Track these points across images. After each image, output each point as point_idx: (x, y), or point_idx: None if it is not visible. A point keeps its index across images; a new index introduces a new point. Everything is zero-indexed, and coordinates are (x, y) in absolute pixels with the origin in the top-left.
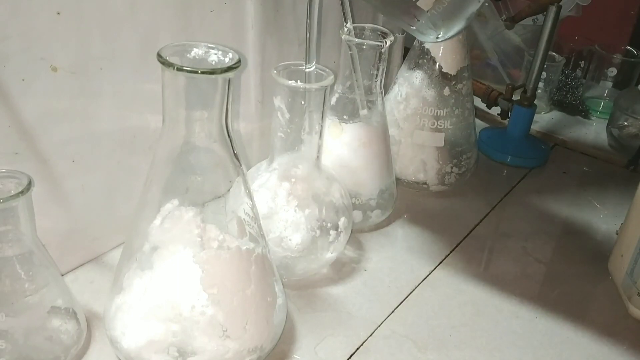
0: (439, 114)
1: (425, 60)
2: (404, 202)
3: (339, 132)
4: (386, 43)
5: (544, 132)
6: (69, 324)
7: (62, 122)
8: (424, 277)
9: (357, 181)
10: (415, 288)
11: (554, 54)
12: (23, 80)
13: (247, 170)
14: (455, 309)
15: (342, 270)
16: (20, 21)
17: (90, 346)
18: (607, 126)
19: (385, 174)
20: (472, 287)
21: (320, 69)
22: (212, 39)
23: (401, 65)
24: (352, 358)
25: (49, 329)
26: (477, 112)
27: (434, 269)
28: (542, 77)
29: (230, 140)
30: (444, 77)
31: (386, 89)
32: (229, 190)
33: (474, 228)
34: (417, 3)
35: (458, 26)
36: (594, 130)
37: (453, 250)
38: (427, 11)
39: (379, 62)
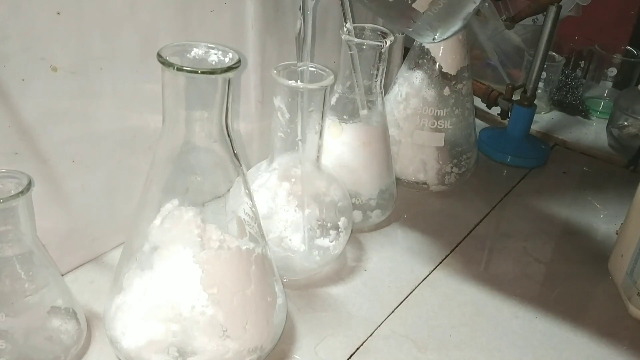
0: (439, 114)
1: (425, 60)
2: (404, 202)
3: (339, 132)
4: (386, 43)
5: (544, 132)
6: (69, 324)
7: (62, 122)
8: (424, 277)
9: (357, 181)
10: (415, 288)
11: (554, 54)
12: (23, 80)
13: (247, 170)
14: (455, 309)
15: (342, 270)
16: (20, 21)
17: (90, 346)
18: (607, 126)
19: (385, 174)
20: (472, 287)
21: (320, 69)
22: (212, 39)
23: (401, 65)
24: (352, 358)
25: (49, 329)
26: (477, 112)
27: (434, 268)
28: (542, 77)
29: (230, 140)
30: (444, 77)
31: (386, 89)
32: (229, 190)
33: (474, 228)
34: (413, 5)
35: (455, 27)
36: (594, 130)
37: (453, 250)
38: (423, 13)
39: (379, 62)
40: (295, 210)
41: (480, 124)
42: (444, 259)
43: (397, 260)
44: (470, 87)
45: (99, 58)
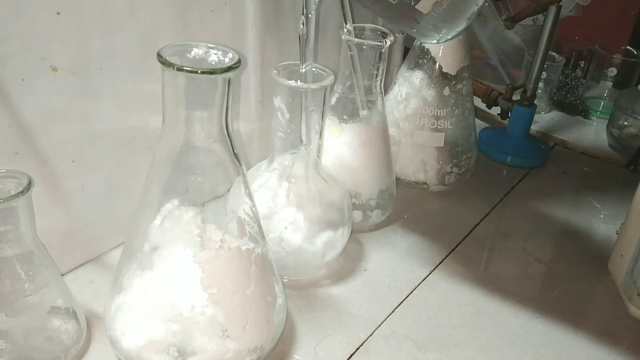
0: (439, 114)
1: (425, 60)
2: (404, 202)
3: (339, 132)
4: (386, 43)
5: (544, 132)
6: (69, 324)
7: (62, 122)
8: (424, 277)
9: (357, 181)
10: (415, 288)
11: (554, 54)
12: (23, 80)
13: (247, 170)
14: (455, 309)
15: (342, 270)
16: (20, 21)
17: (90, 346)
18: (607, 126)
19: (385, 174)
20: (472, 287)
21: (320, 69)
22: (212, 39)
23: (401, 65)
24: (352, 358)
25: (49, 329)
26: (477, 112)
27: (434, 268)
28: (542, 77)
29: (230, 140)
30: (444, 77)
31: (386, 89)
32: (229, 190)
33: (474, 228)
34: (416, 7)
35: (459, 27)
36: (594, 130)
37: (453, 250)
38: (427, 14)
39: (379, 62)
40: (295, 210)
41: (480, 124)
42: (444, 259)
43: (397, 260)
44: (470, 87)
45: (99, 58)
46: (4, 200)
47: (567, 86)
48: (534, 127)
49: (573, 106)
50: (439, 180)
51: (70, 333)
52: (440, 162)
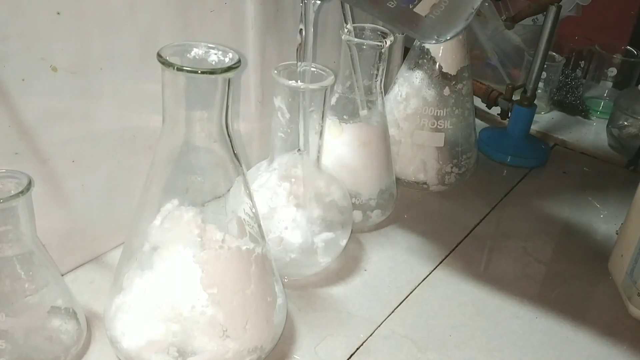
0: (439, 114)
1: (425, 60)
2: (404, 202)
3: (339, 132)
4: (386, 43)
5: (544, 132)
6: (69, 324)
7: (62, 122)
8: (424, 277)
9: (357, 181)
10: (415, 288)
11: (554, 54)
12: (23, 80)
13: (247, 170)
14: (455, 309)
15: (342, 270)
16: (20, 21)
17: (90, 346)
18: (607, 126)
19: (385, 174)
20: (472, 287)
21: (320, 69)
22: (212, 39)
23: (401, 65)
24: (352, 358)
25: (49, 329)
26: (477, 112)
27: (434, 268)
28: (542, 77)
29: (230, 140)
30: (444, 77)
31: (386, 89)
32: (229, 190)
33: (474, 228)
34: (414, 9)
35: (457, 28)
36: (594, 130)
37: (453, 250)
38: (425, 16)
39: (379, 62)
40: (295, 211)
41: (480, 124)
42: (444, 259)
43: (397, 260)
44: (470, 87)
45: (99, 58)
46: (4, 200)
47: (567, 86)
48: (534, 127)
49: (573, 106)
50: (439, 180)
51: (70, 333)
52: (440, 162)
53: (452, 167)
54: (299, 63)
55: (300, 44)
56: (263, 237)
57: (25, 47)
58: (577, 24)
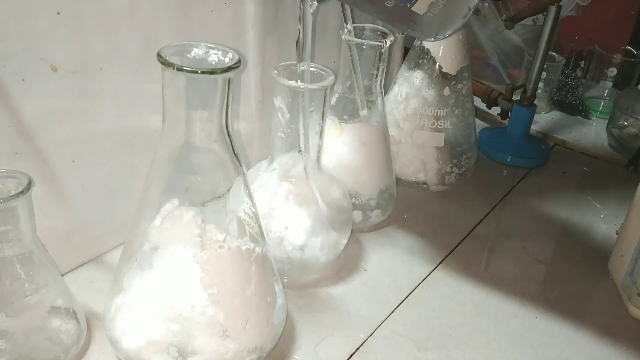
0: (439, 114)
1: (425, 60)
2: (404, 202)
3: (339, 132)
4: (386, 43)
5: (544, 132)
6: (69, 324)
7: (62, 122)
8: (424, 277)
9: (357, 181)
10: (415, 288)
11: (554, 54)
12: (23, 80)
13: (247, 170)
14: (455, 309)
15: (342, 270)
16: (20, 21)
17: (90, 346)
18: (607, 126)
19: (385, 174)
20: (472, 287)
21: (320, 69)
22: (212, 39)
23: (401, 65)
24: (352, 358)
25: (49, 329)
26: (477, 112)
27: (434, 269)
28: (542, 77)
29: (230, 140)
30: (444, 77)
31: (386, 89)
32: (229, 190)
33: (474, 228)
34: (412, 8)
35: (456, 24)
36: (594, 130)
37: (453, 250)
38: (423, 15)
39: (379, 62)
40: (296, 210)
41: (480, 124)
42: (444, 259)
43: (397, 260)
44: (470, 87)
45: (99, 58)
46: (4, 200)
47: (567, 86)
48: (534, 127)
49: (573, 106)
50: (439, 180)
51: (70, 333)
52: (440, 162)
53: (452, 167)
54: (299, 64)
55: (299, 45)
56: (263, 237)
57: (25, 47)
58: (577, 24)
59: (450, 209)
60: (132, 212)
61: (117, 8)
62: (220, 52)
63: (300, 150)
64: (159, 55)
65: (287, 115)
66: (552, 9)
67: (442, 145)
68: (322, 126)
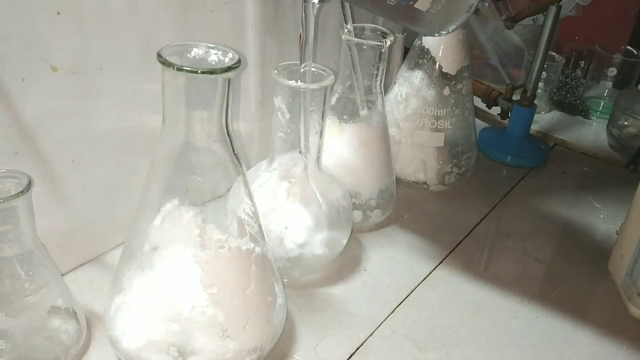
0: (439, 114)
1: (425, 60)
2: (404, 202)
3: (339, 132)
4: (386, 43)
5: (544, 132)
6: (69, 324)
7: (62, 122)
8: (424, 277)
9: (357, 181)
10: (415, 288)
11: (554, 54)
12: (23, 80)
13: (247, 170)
14: (455, 309)
15: (342, 270)
16: (20, 21)
17: (90, 346)
18: (607, 126)
19: (385, 174)
20: (472, 287)
21: (320, 69)
22: (212, 39)
23: (401, 65)
24: (352, 358)
25: (49, 329)
26: (477, 112)
27: (434, 268)
28: (542, 77)
29: (230, 140)
30: (444, 77)
31: (386, 89)
32: (229, 190)
33: (474, 228)
34: (415, 5)
35: (459, 20)
36: (594, 130)
37: (453, 250)
38: (426, 11)
39: (379, 62)
40: (295, 210)
41: (480, 124)
42: (444, 259)
43: (397, 260)
44: (470, 87)
45: (99, 58)
46: (4, 200)
47: (567, 86)
48: (534, 127)
49: (573, 106)
50: (439, 180)
51: (70, 333)
52: (440, 162)
53: (452, 167)
54: (302, 64)
55: (301, 45)
56: (263, 237)
57: (25, 47)
58: (577, 24)
59: (450, 208)
60: (132, 212)
61: (117, 8)
62: (220, 52)
63: (300, 150)
64: (159, 55)
65: (287, 115)
66: (552, 9)
67: (442, 145)
68: (322, 126)
